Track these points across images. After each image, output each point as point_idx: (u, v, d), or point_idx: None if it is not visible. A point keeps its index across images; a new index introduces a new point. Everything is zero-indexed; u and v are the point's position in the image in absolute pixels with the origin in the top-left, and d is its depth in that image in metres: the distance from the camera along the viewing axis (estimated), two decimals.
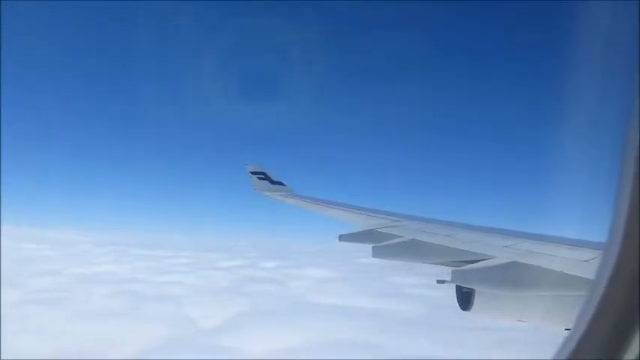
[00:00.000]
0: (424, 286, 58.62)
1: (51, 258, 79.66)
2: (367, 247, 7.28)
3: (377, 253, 6.45)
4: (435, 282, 5.68)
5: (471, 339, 39.48)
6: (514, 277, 4.84)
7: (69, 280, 60.52)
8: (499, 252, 5.33)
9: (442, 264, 6.00)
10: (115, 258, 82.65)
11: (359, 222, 8.38)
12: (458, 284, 5.33)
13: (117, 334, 39.93)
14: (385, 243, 6.56)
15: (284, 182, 12.24)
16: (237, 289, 61.05)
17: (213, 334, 41.95)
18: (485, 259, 5.21)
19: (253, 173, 12.26)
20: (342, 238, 7.60)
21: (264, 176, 12.16)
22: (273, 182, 12.12)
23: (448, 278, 5.17)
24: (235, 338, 40.21)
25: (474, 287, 5.26)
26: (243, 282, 65.74)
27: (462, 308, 5.55)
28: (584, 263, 4.48)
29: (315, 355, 36.13)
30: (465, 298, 5.45)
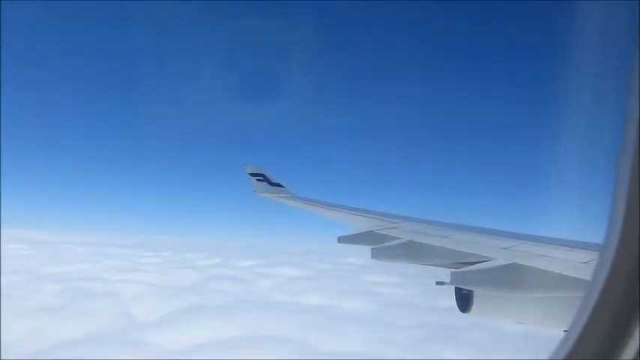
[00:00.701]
0: (395, 285, 60.97)
1: (24, 257, 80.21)
2: (360, 249, 7.34)
3: (376, 254, 6.44)
4: (435, 283, 5.67)
5: (403, 337, 40.74)
6: (513, 279, 4.84)
7: (26, 279, 60.76)
8: (498, 253, 5.33)
9: (441, 265, 6.00)
10: (92, 257, 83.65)
11: (358, 224, 8.37)
12: (457, 286, 5.33)
13: (40, 328, 40.24)
14: (384, 245, 6.55)
15: (283, 184, 12.24)
16: (198, 286, 61.89)
17: (140, 329, 42.59)
18: (484, 261, 5.20)
19: (252, 175, 12.25)
20: (340, 239, 7.60)
21: (263, 178, 12.15)
22: (272, 184, 12.11)
23: (447, 280, 5.17)
24: (160, 333, 40.69)
25: (472, 289, 5.26)
26: (207, 280, 66.60)
27: (461, 310, 5.55)
28: (583, 265, 4.48)
29: (222, 349, 36.68)
30: (464, 300, 5.45)
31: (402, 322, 45.98)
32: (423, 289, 56.23)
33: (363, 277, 67.57)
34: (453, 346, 39.02)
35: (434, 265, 6.15)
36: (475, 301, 5.33)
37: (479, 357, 35.69)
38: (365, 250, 7.35)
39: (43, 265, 71.65)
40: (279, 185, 12.13)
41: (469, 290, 5.32)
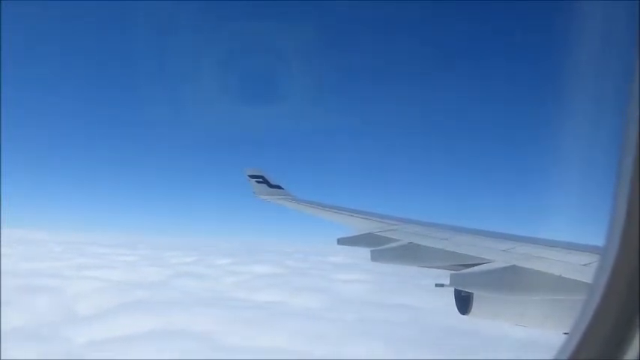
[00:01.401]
0: (362, 282, 62.88)
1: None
2: (356, 249, 7.43)
3: (375, 256, 6.44)
4: (434, 285, 5.67)
5: (336, 333, 41.19)
6: (512, 281, 4.84)
7: None
8: (497, 256, 5.32)
9: (440, 267, 5.99)
10: (65, 255, 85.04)
11: (357, 225, 8.37)
12: (456, 288, 5.32)
13: None
14: (383, 247, 6.54)
15: (282, 186, 12.24)
16: (157, 283, 62.94)
17: (67, 323, 43.22)
18: (483, 263, 5.20)
19: (252, 177, 12.27)
20: (340, 241, 7.59)
21: (262, 180, 12.16)
22: (271, 186, 12.12)
23: (446, 282, 5.16)
24: (82, 327, 41.42)
25: (472, 291, 5.25)
26: (171, 277, 67.73)
27: (460, 312, 5.54)
28: (583, 267, 4.47)
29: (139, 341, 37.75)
30: (464, 302, 5.44)
31: (345, 317, 46.94)
32: (393, 288, 58.44)
33: (335, 276, 69.28)
34: (378, 342, 39.66)
35: (433, 267, 6.14)
36: (474, 303, 5.32)
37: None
38: (357, 250, 7.43)
39: (15, 263, 72.11)
40: (278, 187, 12.14)
41: (468, 292, 5.32)
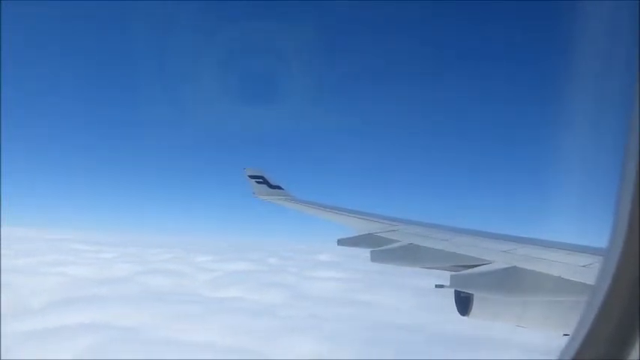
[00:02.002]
0: (337, 280, 64.14)
1: None
2: (352, 249, 7.46)
3: (375, 257, 6.44)
4: (434, 286, 5.66)
5: (274, 328, 42.09)
6: (513, 282, 4.84)
7: None
8: (497, 257, 5.32)
9: (440, 268, 5.99)
10: (44, 253, 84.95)
11: (357, 226, 8.37)
12: (456, 289, 5.32)
13: None
14: (383, 247, 6.54)
15: (282, 186, 12.24)
16: (121, 279, 63.56)
17: (10, 317, 42.95)
18: (483, 264, 5.20)
19: (252, 177, 12.26)
20: (340, 242, 7.59)
21: (262, 180, 12.16)
22: (271, 186, 12.12)
23: (446, 283, 5.16)
24: (17, 320, 41.91)
25: (472, 292, 5.25)
26: (141, 273, 68.35)
27: (460, 313, 5.54)
28: (583, 268, 4.47)
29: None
30: (464, 303, 5.44)
31: (296, 313, 47.98)
32: (367, 286, 59.63)
33: (312, 273, 70.78)
34: (310, 337, 40.35)
35: (433, 268, 6.14)
36: (474, 304, 5.32)
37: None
38: (353, 250, 7.46)
39: None
40: (278, 187, 12.14)
41: (468, 293, 5.32)
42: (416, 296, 52.96)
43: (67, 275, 63.56)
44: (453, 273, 5.24)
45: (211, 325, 42.88)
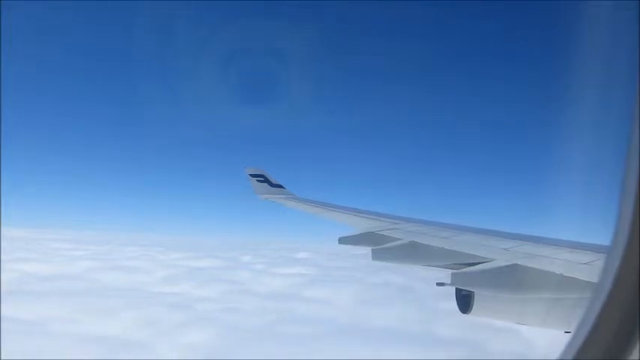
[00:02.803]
0: (299, 276, 65.55)
1: None
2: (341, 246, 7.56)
3: (376, 255, 6.44)
4: (435, 284, 5.66)
5: (190, 320, 43.55)
6: (513, 280, 4.84)
7: None
8: (498, 254, 5.32)
9: (441, 266, 5.99)
10: (13, 251, 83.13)
11: (358, 225, 8.37)
12: (457, 287, 5.32)
13: None
14: (384, 246, 6.54)
15: (283, 185, 12.24)
16: (71, 275, 64.07)
17: None
18: (484, 262, 5.20)
19: (253, 176, 12.26)
20: (341, 240, 7.59)
21: (263, 179, 12.16)
22: (272, 185, 12.11)
23: (447, 281, 5.17)
24: None
25: (473, 290, 5.25)
26: (96, 270, 68.52)
27: (461, 311, 5.53)
28: (584, 266, 4.48)
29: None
30: (465, 301, 5.44)
31: (217, 307, 49.28)
32: (326, 283, 60.92)
33: (275, 270, 72.59)
34: (201, 330, 41.81)
35: (434, 266, 6.14)
36: (475, 302, 5.32)
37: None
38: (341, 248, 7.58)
39: None
40: (279, 186, 12.14)
41: (469, 291, 5.32)
42: (364, 292, 56.40)
43: (19, 271, 63.55)
44: (454, 271, 5.25)
45: (121, 318, 44.09)
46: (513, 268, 4.86)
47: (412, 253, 6.26)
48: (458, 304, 5.58)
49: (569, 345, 1.60)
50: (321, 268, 72.40)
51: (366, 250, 6.81)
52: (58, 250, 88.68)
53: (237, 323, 43.62)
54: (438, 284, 5.50)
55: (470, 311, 5.40)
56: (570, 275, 4.37)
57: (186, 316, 45.04)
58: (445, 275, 5.37)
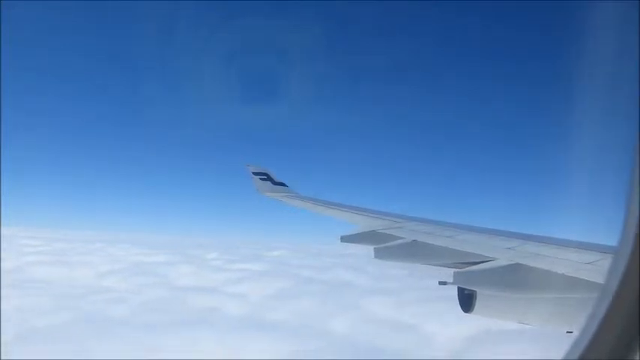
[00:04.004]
0: (234, 271, 69.04)
1: None
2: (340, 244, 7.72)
3: (379, 254, 6.44)
4: (438, 283, 5.66)
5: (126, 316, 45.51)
6: (516, 279, 4.83)
7: None
8: (501, 254, 5.31)
9: (444, 265, 5.99)
10: None
11: (361, 223, 8.37)
12: (460, 286, 5.31)
13: None
14: (387, 244, 6.54)
15: (286, 183, 12.23)
16: (10, 269, 63.79)
17: None
18: (487, 261, 5.19)
19: (255, 174, 12.25)
20: (343, 239, 7.59)
21: (266, 177, 12.15)
22: (275, 183, 12.11)
23: (450, 280, 5.16)
24: None
25: (475, 289, 5.24)
26: (37, 264, 70.38)
27: (463, 310, 5.52)
28: (588, 265, 4.46)
29: None
30: (467, 300, 5.43)
31: (108, 298, 51.78)
32: (268, 280, 63.30)
33: (232, 266, 75.95)
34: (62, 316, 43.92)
35: (437, 265, 6.13)
36: (478, 301, 5.31)
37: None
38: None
39: None
40: (282, 184, 12.13)
41: (472, 290, 5.31)
42: (292, 288, 59.16)
43: None
44: (457, 270, 5.24)
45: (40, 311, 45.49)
46: (516, 268, 4.85)
47: (415, 251, 6.25)
48: (460, 303, 5.57)
49: (574, 345, 1.59)
50: (277, 265, 76.42)
51: (368, 249, 6.81)
52: (21, 246, 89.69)
53: (104, 312, 46.24)
54: (441, 283, 5.49)
55: (472, 310, 5.39)
56: (574, 275, 4.36)
57: (69, 303, 47.90)
58: (448, 274, 5.36)
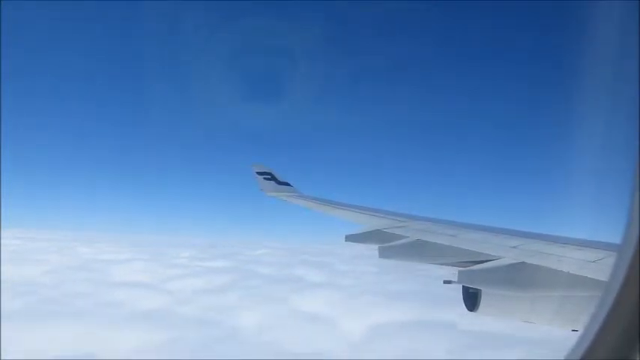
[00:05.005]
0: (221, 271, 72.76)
1: None
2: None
3: (383, 253, 6.44)
4: (442, 282, 5.66)
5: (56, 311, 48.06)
6: (521, 278, 4.83)
7: None
8: (506, 252, 5.31)
9: (448, 264, 5.99)
10: None
11: (365, 222, 8.37)
12: (464, 285, 5.31)
13: None
14: (391, 243, 6.55)
15: (290, 183, 12.24)
16: None
17: None
18: (491, 260, 5.19)
19: (259, 173, 12.26)
20: (347, 238, 7.60)
21: (270, 177, 12.16)
22: (279, 183, 12.12)
23: (454, 279, 5.16)
24: None
25: (480, 288, 5.24)
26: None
27: (468, 309, 5.53)
28: (592, 264, 4.45)
29: None
30: (472, 299, 5.43)
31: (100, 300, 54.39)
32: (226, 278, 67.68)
33: (200, 263, 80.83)
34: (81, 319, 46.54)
35: (441, 264, 6.14)
36: (482, 300, 5.31)
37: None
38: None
39: None
40: (286, 184, 12.14)
41: (476, 289, 5.31)
42: (231, 285, 63.30)
43: None
44: (461, 269, 5.24)
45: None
46: (521, 266, 4.85)
47: (419, 250, 6.26)
48: (465, 301, 5.57)
49: (578, 344, 1.59)
50: (241, 264, 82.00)
51: (373, 248, 6.81)
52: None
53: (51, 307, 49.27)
54: (445, 282, 5.50)
55: (477, 309, 5.39)
56: (578, 273, 4.35)
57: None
58: (452, 273, 5.37)
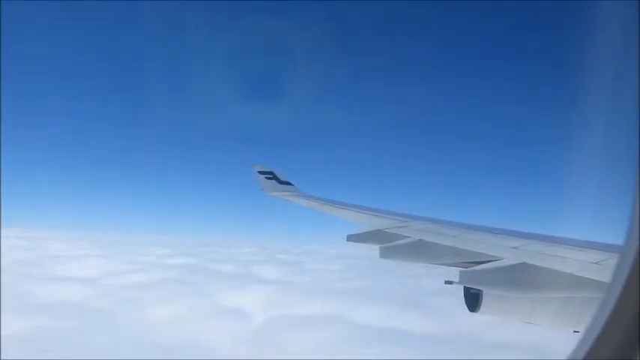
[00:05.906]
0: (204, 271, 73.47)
1: None
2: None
3: (384, 253, 6.44)
4: (444, 283, 5.66)
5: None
6: (522, 279, 4.82)
7: None
8: (507, 253, 5.30)
9: (450, 265, 5.98)
10: None
11: (366, 222, 8.37)
12: (465, 285, 5.31)
13: None
14: (392, 244, 6.54)
15: (292, 182, 12.24)
16: None
17: None
18: (493, 260, 5.18)
19: (261, 173, 12.26)
20: (349, 238, 7.59)
21: (272, 176, 12.16)
22: (281, 182, 12.11)
23: (456, 279, 5.15)
24: None
25: (481, 288, 5.24)
26: None
27: (469, 309, 5.52)
28: (594, 265, 4.44)
29: None
30: (473, 300, 5.43)
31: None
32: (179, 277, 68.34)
33: (167, 261, 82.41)
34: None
35: (442, 265, 6.13)
36: (484, 300, 5.31)
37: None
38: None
39: None
40: (288, 184, 12.14)
41: (478, 290, 5.30)
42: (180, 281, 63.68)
43: None
44: (463, 269, 5.24)
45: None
46: (522, 267, 4.84)
47: (420, 251, 6.25)
48: (466, 302, 5.57)
49: (580, 345, 1.59)
50: (204, 261, 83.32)
51: (374, 248, 6.81)
52: None
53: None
54: (447, 282, 5.49)
55: (478, 310, 5.38)
56: (580, 274, 4.34)
57: None
58: (453, 274, 5.36)
